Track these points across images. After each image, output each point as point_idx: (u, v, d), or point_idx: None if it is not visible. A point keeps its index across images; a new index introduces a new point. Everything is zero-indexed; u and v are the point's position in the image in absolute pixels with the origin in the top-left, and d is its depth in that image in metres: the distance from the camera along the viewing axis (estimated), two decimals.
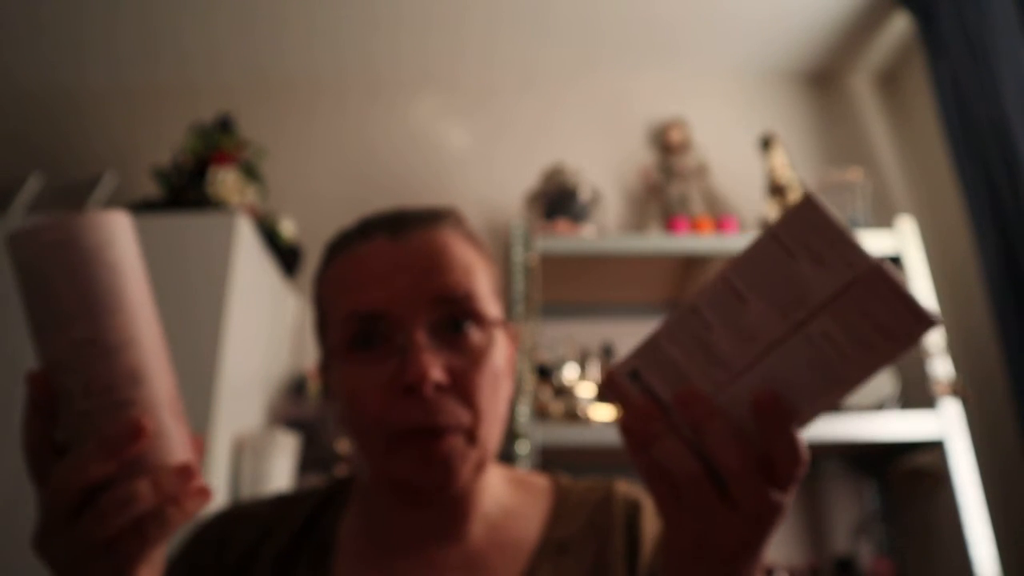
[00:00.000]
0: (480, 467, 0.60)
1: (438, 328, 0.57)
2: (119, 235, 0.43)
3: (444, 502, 0.62)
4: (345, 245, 0.63)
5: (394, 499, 0.62)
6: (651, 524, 0.64)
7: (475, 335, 0.58)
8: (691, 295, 0.40)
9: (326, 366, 0.63)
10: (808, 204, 0.37)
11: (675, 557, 0.43)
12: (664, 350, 0.39)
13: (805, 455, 0.38)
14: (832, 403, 0.37)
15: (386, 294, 0.57)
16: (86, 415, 0.42)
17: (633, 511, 0.64)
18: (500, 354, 0.60)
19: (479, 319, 0.58)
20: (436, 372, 0.54)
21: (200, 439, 0.47)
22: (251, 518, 0.67)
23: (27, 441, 0.44)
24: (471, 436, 0.57)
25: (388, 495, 0.63)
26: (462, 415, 0.56)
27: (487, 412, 0.58)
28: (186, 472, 0.43)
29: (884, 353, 0.36)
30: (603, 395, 0.41)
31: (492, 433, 0.59)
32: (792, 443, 0.38)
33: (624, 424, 0.41)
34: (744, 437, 0.38)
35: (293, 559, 0.63)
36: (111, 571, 0.42)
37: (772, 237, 0.37)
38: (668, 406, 0.39)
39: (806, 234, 0.36)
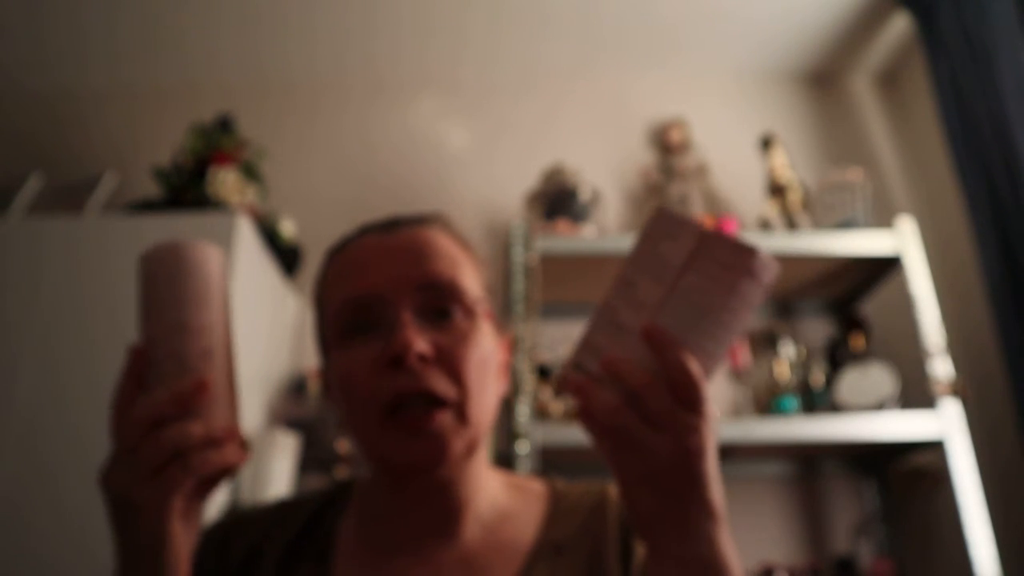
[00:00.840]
0: (471, 448, 0.61)
1: (425, 311, 0.60)
2: (214, 259, 0.58)
3: (438, 492, 0.62)
4: (340, 247, 0.67)
5: (390, 484, 0.63)
6: None
7: (461, 320, 0.61)
8: (602, 296, 0.52)
9: (325, 366, 0.66)
10: (659, 209, 0.52)
11: (628, 501, 0.49)
12: (591, 340, 0.51)
13: (697, 375, 0.46)
14: (712, 334, 0.48)
15: (375, 280, 0.61)
16: (166, 375, 0.52)
17: (626, 510, 0.65)
18: (487, 341, 0.62)
19: (464, 305, 0.61)
20: (420, 343, 0.58)
21: (248, 438, 0.55)
22: (252, 523, 0.68)
23: (118, 397, 0.52)
24: (460, 413, 0.59)
25: (385, 484, 0.64)
26: (448, 387, 0.58)
27: (474, 389, 0.60)
28: (232, 431, 0.52)
29: (731, 282, 0.47)
30: (561, 391, 0.53)
31: (481, 413, 0.61)
32: (681, 363, 0.46)
33: (577, 408, 0.48)
34: (650, 371, 0.47)
35: (294, 561, 0.64)
36: (153, 494, 0.49)
37: (641, 237, 0.51)
38: (602, 378, 0.49)
39: (661, 226, 0.51)
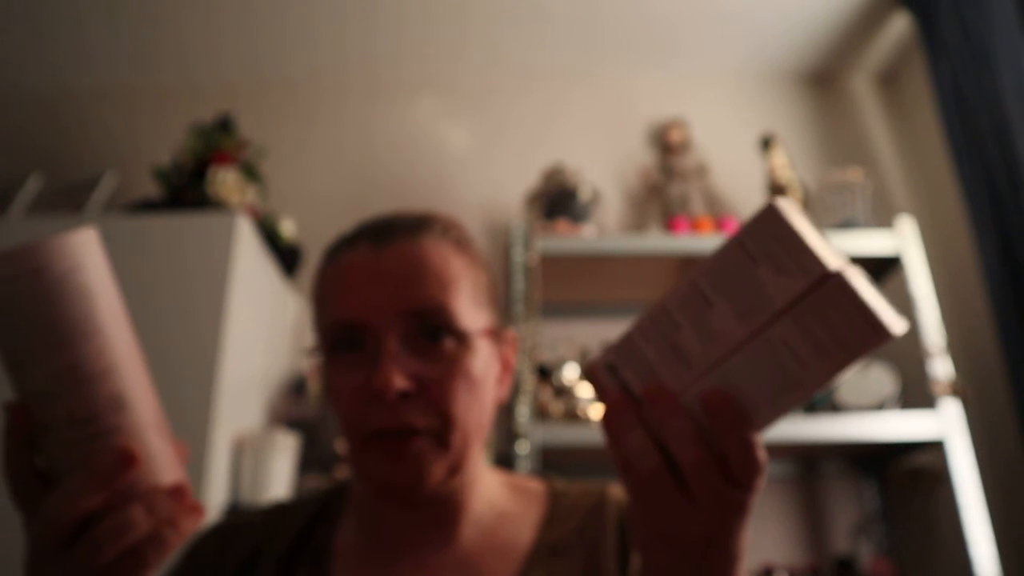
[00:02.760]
0: (454, 471, 0.61)
1: (413, 337, 0.59)
2: (88, 256, 0.42)
3: (431, 504, 0.63)
4: (335, 253, 0.65)
5: (378, 499, 0.64)
6: None
7: (450, 345, 0.59)
8: (664, 294, 0.41)
9: (323, 372, 0.65)
10: (771, 212, 0.38)
11: (644, 548, 0.44)
12: (638, 347, 0.41)
13: (759, 455, 0.39)
14: (788, 407, 0.38)
15: (362, 305, 0.59)
16: (72, 444, 0.41)
17: (626, 515, 0.65)
18: (479, 362, 0.61)
19: (454, 330, 0.59)
20: (399, 381, 0.56)
21: (184, 446, 0.47)
22: (248, 527, 0.68)
23: (10, 471, 0.43)
24: (441, 440, 0.59)
25: (376, 498, 0.64)
26: (428, 419, 0.58)
27: (459, 418, 0.59)
28: (179, 492, 0.43)
29: (839, 360, 0.36)
30: (586, 382, 0.45)
31: (466, 439, 0.60)
32: (745, 443, 0.39)
33: (603, 417, 0.42)
34: (703, 435, 0.39)
35: (291, 566, 0.64)
36: None
37: (737, 244, 0.39)
38: (640, 400, 0.41)
39: (768, 242, 0.38)
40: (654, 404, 0.40)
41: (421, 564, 0.62)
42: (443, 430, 0.58)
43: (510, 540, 0.64)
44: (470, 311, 0.61)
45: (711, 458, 0.39)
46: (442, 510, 0.63)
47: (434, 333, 0.59)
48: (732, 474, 0.39)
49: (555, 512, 0.66)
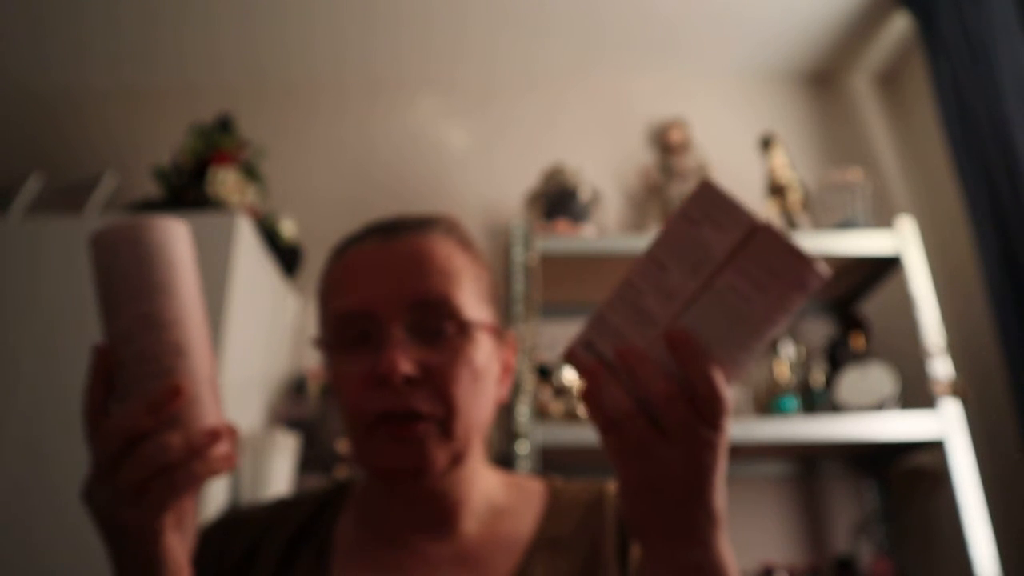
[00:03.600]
0: (457, 459, 0.62)
1: (418, 327, 0.60)
2: (177, 237, 0.53)
3: (432, 495, 0.63)
4: (343, 249, 0.67)
5: (382, 488, 0.65)
6: None
7: (454, 336, 0.61)
8: (626, 271, 0.47)
9: (326, 366, 0.66)
10: (706, 184, 0.45)
11: (632, 504, 0.47)
12: (608, 320, 0.46)
13: (724, 392, 0.43)
14: (742, 344, 0.43)
15: (369, 295, 0.61)
16: (138, 378, 0.48)
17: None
18: (482, 355, 0.62)
19: (458, 322, 0.61)
20: (405, 365, 0.58)
21: (235, 428, 0.51)
22: (251, 521, 0.69)
23: (87, 404, 0.49)
24: (444, 428, 0.60)
25: (378, 487, 0.65)
26: (433, 406, 0.59)
27: (462, 407, 0.60)
28: (215, 434, 0.48)
29: (777, 292, 0.42)
30: (568, 364, 0.48)
31: (468, 429, 0.61)
32: (707, 375, 0.42)
33: (583, 390, 0.46)
34: (671, 376, 0.43)
35: (293, 559, 0.65)
36: (140, 516, 0.47)
37: (681, 214, 0.45)
38: (615, 365, 0.45)
39: (706, 206, 0.45)
40: (624, 359, 0.44)
41: (421, 556, 0.63)
42: (447, 417, 0.59)
43: (510, 533, 0.65)
44: (473, 305, 0.63)
45: (679, 392, 0.42)
46: (442, 503, 0.64)
47: (439, 324, 0.61)
48: (700, 409, 0.43)
49: (555, 508, 0.67)
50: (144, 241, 0.50)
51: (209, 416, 0.49)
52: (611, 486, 0.68)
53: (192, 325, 0.51)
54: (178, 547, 0.50)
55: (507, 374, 0.68)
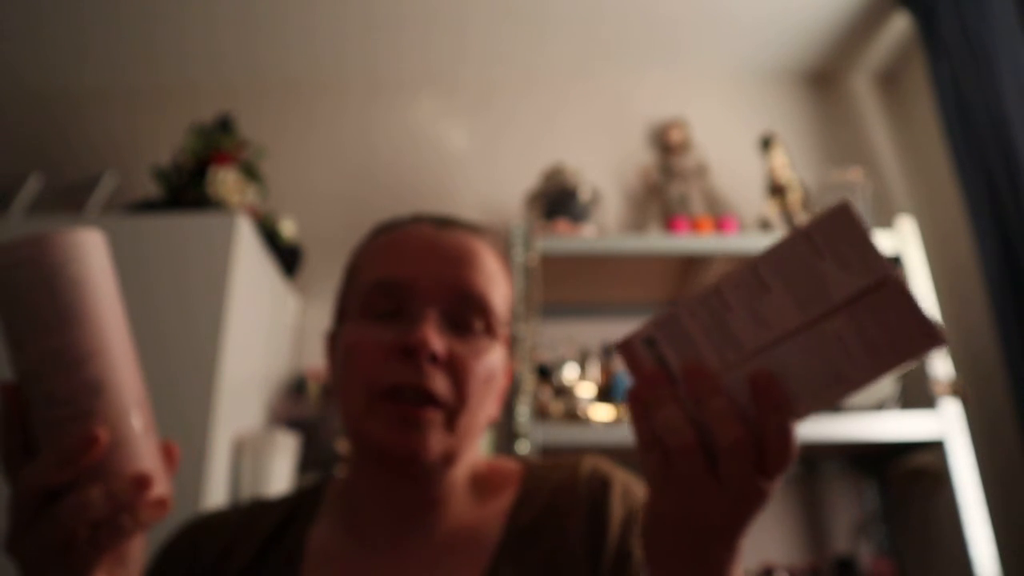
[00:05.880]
0: (449, 458, 0.61)
1: (450, 317, 0.61)
2: (84, 251, 0.45)
3: (414, 483, 0.62)
4: (393, 225, 0.68)
5: (367, 471, 0.64)
6: (620, 503, 0.63)
7: (480, 335, 0.62)
8: (717, 279, 0.41)
9: (335, 333, 0.67)
10: (844, 209, 0.39)
11: (656, 528, 0.43)
12: (682, 323, 0.41)
13: (794, 445, 0.39)
14: (830, 401, 0.39)
15: (414, 271, 0.62)
16: (50, 424, 0.43)
17: (600, 490, 0.64)
18: (498, 361, 0.63)
19: (488, 323, 0.62)
20: (436, 342, 0.58)
21: (174, 447, 0.48)
22: (220, 528, 0.67)
23: (1, 449, 0.45)
24: (450, 419, 0.59)
25: (363, 465, 0.64)
26: (447, 392, 0.59)
27: (471, 402, 0.60)
28: (142, 481, 0.44)
29: (889, 361, 0.37)
30: (617, 356, 0.43)
31: (470, 427, 0.61)
32: (783, 429, 0.38)
33: (631, 390, 0.42)
34: (741, 418, 0.39)
35: (261, 564, 0.64)
36: (68, 573, 0.44)
37: (805, 236, 0.39)
38: (676, 377, 0.41)
39: (836, 237, 0.38)
40: (693, 380, 0.40)
41: (394, 557, 0.62)
42: (456, 408, 0.59)
43: (481, 533, 0.63)
44: (501, 314, 0.65)
45: (747, 441, 0.38)
46: (423, 497, 0.63)
47: (471, 318, 0.62)
48: (764, 460, 0.39)
49: (525, 495, 0.66)
50: (44, 262, 0.43)
51: (136, 458, 0.44)
52: (587, 462, 0.66)
53: (111, 354, 0.45)
54: None
55: (501, 398, 0.67)
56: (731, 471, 0.39)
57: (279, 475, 1.50)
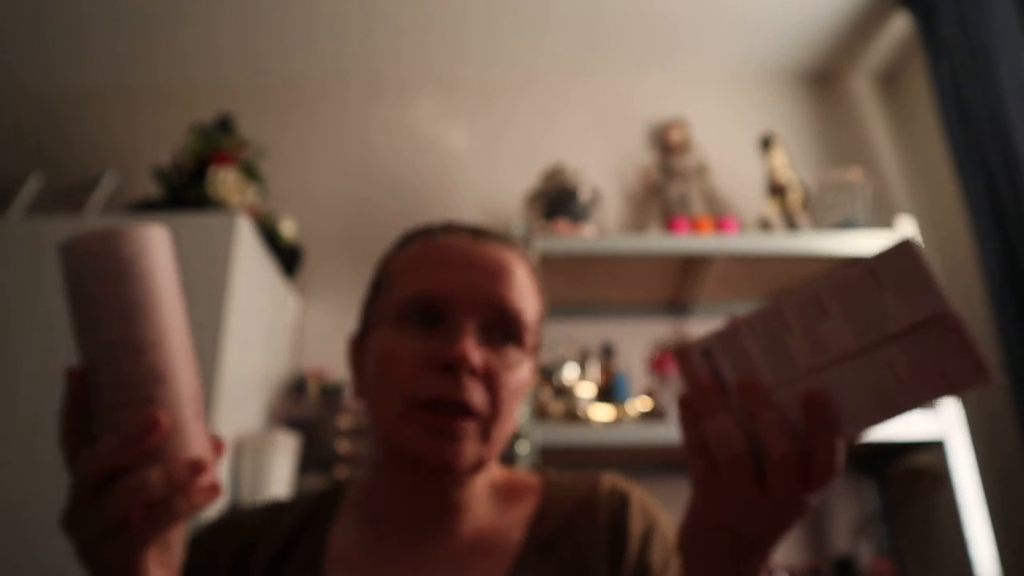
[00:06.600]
0: (480, 465, 0.62)
1: (487, 330, 0.63)
2: (152, 247, 0.48)
3: (438, 489, 0.63)
4: (428, 233, 0.69)
5: (394, 472, 0.64)
6: (640, 518, 0.65)
7: (514, 349, 0.64)
8: (778, 297, 0.43)
9: (362, 336, 0.68)
10: (908, 246, 0.41)
11: (697, 533, 0.46)
12: (740, 338, 0.43)
13: (841, 463, 0.41)
14: (873, 425, 0.41)
15: (454, 284, 0.63)
16: (112, 409, 0.45)
17: (620, 505, 0.65)
18: (526, 376, 0.65)
19: (521, 338, 0.64)
20: (475, 356, 0.59)
21: (221, 441, 0.50)
22: (243, 527, 0.68)
23: (62, 432, 0.47)
24: (485, 430, 0.61)
25: (388, 472, 0.65)
26: (484, 404, 0.60)
27: (505, 414, 0.62)
28: (197, 466, 0.46)
29: (937, 391, 0.39)
30: (676, 362, 0.46)
31: (501, 436, 0.63)
32: (830, 446, 0.41)
33: (684, 397, 0.44)
34: (792, 433, 0.41)
35: (283, 564, 0.64)
36: (121, 551, 0.45)
37: (867, 268, 0.41)
38: (729, 389, 0.43)
39: (898, 270, 0.40)
40: (748, 394, 0.42)
41: (414, 561, 0.63)
42: (490, 419, 0.61)
43: (502, 539, 0.65)
44: (532, 327, 0.66)
45: (796, 455, 0.41)
46: (448, 502, 0.64)
47: (505, 332, 0.63)
48: (809, 475, 0.41)
49: (546, 506, 0.67)
50: (117, 255, 0.46)
51: (192, 444, 0.47)
52: (607, 479, 0.68)
53: (173, 346, 0.47)
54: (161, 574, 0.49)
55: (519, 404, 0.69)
56: (778, 483, 0.41)
57: (279, 475, 1.50)
